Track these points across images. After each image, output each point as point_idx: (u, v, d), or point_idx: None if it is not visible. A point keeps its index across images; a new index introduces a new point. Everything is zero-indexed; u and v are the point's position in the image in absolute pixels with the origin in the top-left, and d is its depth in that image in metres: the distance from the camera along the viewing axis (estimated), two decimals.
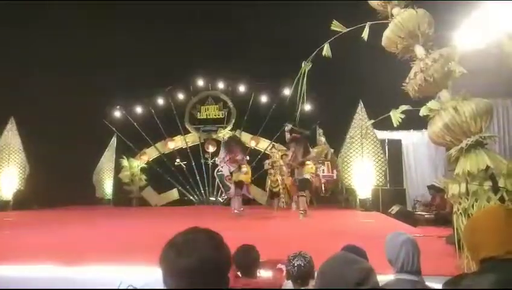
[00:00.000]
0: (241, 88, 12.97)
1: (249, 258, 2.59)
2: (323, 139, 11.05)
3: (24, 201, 10.49)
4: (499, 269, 1.31)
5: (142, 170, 13.06)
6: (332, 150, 10.89)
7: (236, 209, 7.95)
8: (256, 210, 9.66)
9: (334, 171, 10.39)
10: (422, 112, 3.50)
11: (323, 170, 10.21)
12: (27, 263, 3.69)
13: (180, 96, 13.46)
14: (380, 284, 2.02)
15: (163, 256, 1.07)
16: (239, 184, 7.97)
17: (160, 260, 1.07)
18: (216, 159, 9.06)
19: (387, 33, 3.91)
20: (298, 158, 7.71)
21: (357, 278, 1.22)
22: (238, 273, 2.58)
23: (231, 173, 7.93)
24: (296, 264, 2.36)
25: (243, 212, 7.95)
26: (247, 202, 11.50)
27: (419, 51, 3.78)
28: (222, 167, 8.12)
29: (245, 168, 8.15)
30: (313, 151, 7.94)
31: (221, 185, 8.29)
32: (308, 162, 7.78)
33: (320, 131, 11.19)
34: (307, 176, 7.65)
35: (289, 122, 9.00)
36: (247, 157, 11.99)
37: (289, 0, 10.13)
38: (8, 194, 10.66)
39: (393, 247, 2.06)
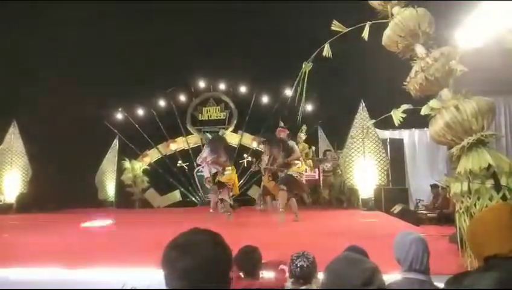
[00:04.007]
0: (243, 89, 12.99)
1: (251, 259, 2.60)
2: (303, 136, 10.49)
3: (27, 204, 10.52)
4: (503, 267, 1.31)
5: (144, 171, 13.09)
6: (313, 148, 10.56)
7: (212, 209, 7.61)
8: (255, 211, 9.63)
9: (316, 170, 10.11)
10: (424, 111, 3.50)
11: (306, 169, 9.59)
12: (30, 266, 3.71)
13: (182, 97, 13.50)
14: (386, 284, 2.03)
15: (165, 257, 1.09)
16: (220, 185, 7.57)
17: (162, 261, 1.08)
18: (198, 158, 8.30)
19: (387, 32, 3.91)
20: (279, 161, 6.94)
21: (364, 278, 1.23)
22: (241, 274, 2.58)
23: (212, 175, 7.52)
24: (298, 265, 2.37)
25: (215, 214, 7.47)
26: (247, 202, 11.51)
27: (419, 50, 3.78)
28: (203, 167, 7.74)
29: (229, 171, 7.69)
30: (297, 152, 7.00)
31: (199, 187, 7.92)
32: (296, 162, 6.97)
33: (305, 127, 10.55)
34: (294, 174, 6.84)
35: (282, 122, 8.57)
36: (251, 159, 11.93)
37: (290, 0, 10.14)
38: (11, 198, 10.68)
39: (402, 246, 2.06)
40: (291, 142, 7.13)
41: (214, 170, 7.52)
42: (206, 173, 7.65)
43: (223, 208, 7.87)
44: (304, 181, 7.42)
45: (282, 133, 8.08)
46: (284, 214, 6.60)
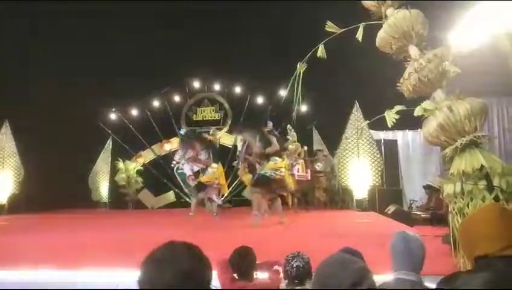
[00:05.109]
0: (237, 89, 12.98)
1: (245, 261, 2.59)
2: (295, 134, 10.10)
3: (19, 205, 10.42)
4: (493, 267, 1.32)
5: (138, 172, 13.02)
6: (305, 148, 10.38)
7: (191, 212, 7.41)
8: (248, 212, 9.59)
9: (308, 171, 9.94)
10: (417, 112, 3.52)
11: (298, 169, 9.53)
12: (22, 267, 3.67)
13: (176, 98, 13.45)
14: (378, 284, 2.03)
15: (143, 271, 1.06)
16: (200, 186, 7.39)
17: (140, 277, 1.06)
18: (175, 157, 7.96)
19: (381, 34, 3.92)
20: (255, 150, 6.55)
21: (353, 278, 1.22)
22: (235, 275, 2.58)
23: (195, 173, 7.32)
24: (294, 265, 2.37)
25: (194, 217, 7.26)
26: (241, 202, 11.43)
27: (413, 51, 3.80)
28: (183, 164, 7.49)
29: (211, 169, 7.41)
30: (275, 144, 6.60)
31: (183, 185, 7.67)
32: (276, 158, 6.61)
33: (289, 126, 10.14)
34: (268, 172, 6.45)
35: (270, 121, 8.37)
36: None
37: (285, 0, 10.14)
38: (2, 198, 10.58)
39: (394, 246, 2.07)
40: (271, 137, 6.82)
41: (196, 168, 7.35)
42: (187, 171, 7.45)
43: (210, 207, 7.77)
44: (283, 178, 6.89)
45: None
46: (258, 217, 6.37)
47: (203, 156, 7.38)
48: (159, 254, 1.09)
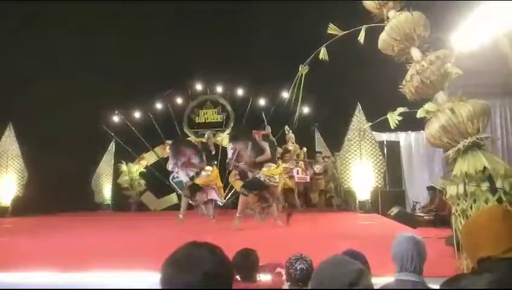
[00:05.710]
0: (240, 92, 13.00)
1: (248, 262, 2.59)
2: (293, 136, 9.94)
3: (23, 207, 10.45)
4: (496, 269, 1.32)
5: (141, 174, 13.07)
6: (305, 149, 10.31)
7: (181, 214, 7.38)
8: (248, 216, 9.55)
9: (308, 173, 9.91)
10: (419, 114, 3.52)
11: (298, 171, 9.54)
12: (26, 270, 3.68)
13: (179, 100, 13.50)
14: (380, 286, 2.04)
15: (164, 273, 1.05)
16: (193, 188, 7.37)
17: (161, 279, 1.05)
18: (168, 166, 7.81)
19: (383, 36, 3.93)
20: (246, 159, 6.43)
21: (350, 279, 1.22)
22: (238, 277, 2.58)
23: (191, 178, 7.29)
24: (298, 268, 2.37)
25: (183, 220, 7.19)
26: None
27: (415, 53, 3.80)
28: (177, 172, 7.42)
29: (205, 172, 7.36)
30: (267, 153, 6.40)
31: (181, 192, 7.55)
32: (270, 164, 6.42)
33: (287, 127, 9.96)
34: (262, 177, 6.34)
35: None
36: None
37: (288, 0, 10.15)
38: (6, 201, 10.62)
39: (396, 246, 2.07)
40: (264, 143, 6.65)
41: (191, 173, 7.30)
42: (183, 178, 7.38)
43: (204, 209, 7.75)
44: (276, 187, 6.71)
45: (257, 136, 7.51)
46: (239, 220, 6.28)
47: (195, 160, 7.30)
48: (180, 254, 1.07)
